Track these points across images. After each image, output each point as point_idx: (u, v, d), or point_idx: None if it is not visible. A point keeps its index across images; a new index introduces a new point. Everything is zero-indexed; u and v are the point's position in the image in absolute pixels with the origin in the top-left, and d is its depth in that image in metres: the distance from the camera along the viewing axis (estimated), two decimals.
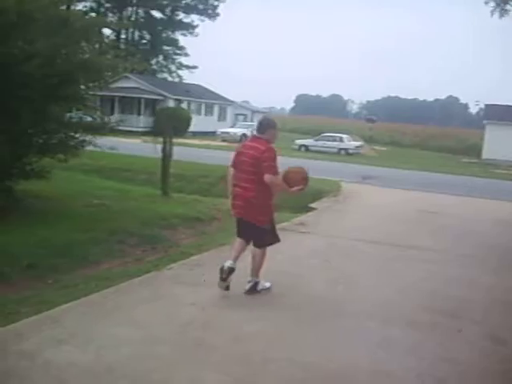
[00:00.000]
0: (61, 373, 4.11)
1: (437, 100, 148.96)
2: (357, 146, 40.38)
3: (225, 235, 9.62)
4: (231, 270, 5.97)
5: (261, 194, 6.06)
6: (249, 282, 6.29)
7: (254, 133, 6.42)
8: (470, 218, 13.63)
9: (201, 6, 69.45)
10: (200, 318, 5.44)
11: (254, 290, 6.28)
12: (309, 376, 4.39)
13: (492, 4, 10.05)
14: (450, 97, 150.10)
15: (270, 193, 6.14)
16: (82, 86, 10.89)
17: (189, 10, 69.28)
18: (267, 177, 5.89)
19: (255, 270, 6.31)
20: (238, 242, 6.35)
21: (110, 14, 66.19)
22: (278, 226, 10.34)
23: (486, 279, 7.84)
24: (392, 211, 13.57)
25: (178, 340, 4.91)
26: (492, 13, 10.04)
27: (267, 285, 6.45)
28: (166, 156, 13.08)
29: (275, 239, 6.56)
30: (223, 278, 5.97)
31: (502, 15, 10.20)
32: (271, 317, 5.60)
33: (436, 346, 5.20)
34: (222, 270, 5.97)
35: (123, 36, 67.59)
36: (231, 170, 6.38)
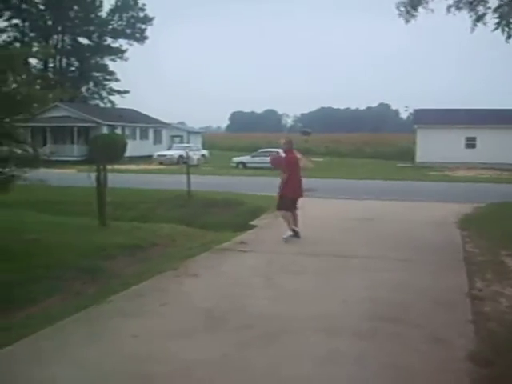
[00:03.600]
0: None
1: (369, 108, 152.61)
2: None
3: (166, 260, 9.52)
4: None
5: None
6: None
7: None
8: (407, 221, 13.94)
9: (128, 31, 69.25)
10: (143, 349, 5.31)
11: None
12: None
13: (401, 8, 10.34)
14: (382, 104, 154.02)
15: None
16: (7, 119, 10.57)
17: (116, 34, 68.91)
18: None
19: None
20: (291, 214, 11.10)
21: (36, 43, 64.99)
22: (218, 247, 10.40)
23: (426, 281, 8.00)
24: (331, 222, 13.72)
25: (121, 375, 4.78)
26: (399, 15, 10.35)
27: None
28: (101, 184, 12.83)
29: None
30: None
31: (407, 20, 10.52)
32: (215, 343, 5.52)
33: (381, 354, 5.25)
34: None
35: (51, 65, 66.52)
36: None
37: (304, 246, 10.46)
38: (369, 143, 61.21)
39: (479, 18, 9.85)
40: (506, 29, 9.59)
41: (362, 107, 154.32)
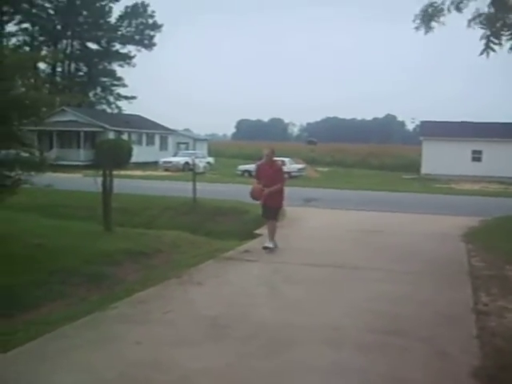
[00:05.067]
0: None
1: (375, 119, 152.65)
2: (299, 169, 40.79)
3: (170, 267, 9.53)
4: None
5: None
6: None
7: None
8: (411, 234, 13.88)
9: (137, 37, 69.56)
10: (146, 357, 5.31)
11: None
12: None
13: (417, 21, 10.29)
14: (388, 115, 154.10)
15: None
16: (16, 123, 10.62)
17: (125, 40, 69.23)
18: None
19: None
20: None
21: (45, 48, 65.38)
22: (223, 255, 10.40)
23: (430, 295, 7.98)
24: (335, 233, 13.70)
25: (124, 382, 4.78)
26: (417, 29, 10.30)
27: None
28: (107, 190, 12.86)
29: None
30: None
31: (426, 31, 10.49)
32: (219, 352, 5.51)
33: (385, 367, 5.23)
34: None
35: (59, 69, 66.87)
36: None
37: (308, 257, 10.44)
38: (374, 154, 61.16)
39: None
40: None
41: (369, 118, 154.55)
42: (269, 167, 11.29)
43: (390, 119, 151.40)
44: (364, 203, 20.72)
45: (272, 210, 11.27)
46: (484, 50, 9.37)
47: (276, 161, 12.14)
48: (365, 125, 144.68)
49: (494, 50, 9.40)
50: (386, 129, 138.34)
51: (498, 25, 9.34)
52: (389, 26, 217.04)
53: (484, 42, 9.37)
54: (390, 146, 75.56)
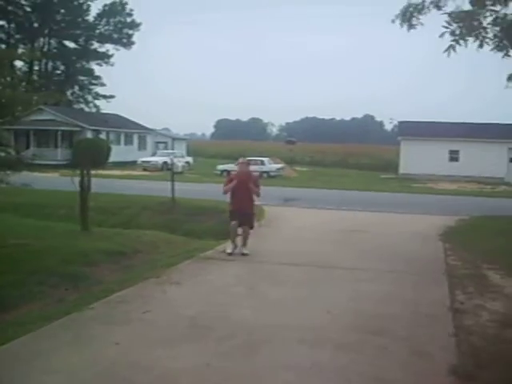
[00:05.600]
0: None
1: (354, 119, 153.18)
2: (278, 169, 40.82)
3: (149, 267, 9.46)
4: None
5: None
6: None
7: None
8: (390, 233, 13.98)
9: (115, 36, 68.98)
10: (125, 357, 5.27)
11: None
12: None
13: (450, 38, 9.71)
14: (367, 115, 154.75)
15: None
16: None
17: (103, 39, 68.63)
18: None
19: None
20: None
21: (22, 46, 64.60)
22: (202, 255, 10.37)
23: (408, 294, 8.04)
24: (315, 232, 13.74)
25: (103, 382, 4.74)
26: (450, 49, 9.77)
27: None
28: (84, 189, 12.74)
29: None
30: None
31: (409, 29, 10.45)
32: (198, 351, 5.49)
33: (364, 366, 5.26)
34: None
35: (36, 67, 66.04)
36: None
37: (287, 256, 10.45)
38: (353, 154, 61.46)
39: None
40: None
41: (347, 118, 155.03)
42: (244, 175, 11.08)
43: (369, 119, 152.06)
44: (343, 203, 20.80)
45: (247, 216, 10.90)
46: (448, 48, 9.40)
47: (252, 172, 11.94)
48: (343, 125, 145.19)
49: (455, 50, 9.43)
50: (365, 129, 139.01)
51: (470, 23, 9.38)
52: (370, 26, 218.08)
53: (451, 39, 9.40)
54: (369, 145, 76.00)
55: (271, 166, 40.42)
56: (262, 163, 39.70)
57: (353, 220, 16.22)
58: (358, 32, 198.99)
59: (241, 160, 11.56)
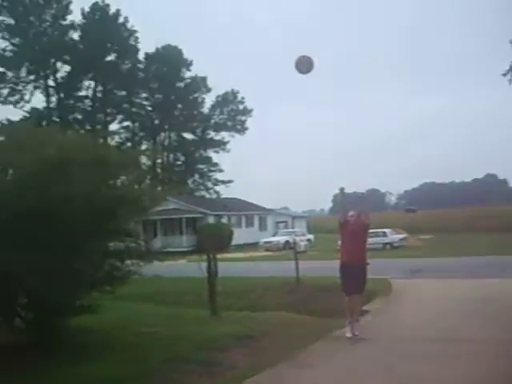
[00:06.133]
0: None
1: (475, 180, 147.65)
2: (401, 239, 39.89)
3: (279, 349, 9.39)
4: None
5: None
6: None
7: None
8: None
9: (229, 123, 72.24)
10: None
11: None
12: None
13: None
14: (488, 175, 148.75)
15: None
16: (122, 218, 11.06)
17: (218, 128, 72.17)
18: None
19: None
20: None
21: (145, 142, 69.30)
22: (332, 335, 10.17)
23: None
24: (448, 305, 13.09)
25: None
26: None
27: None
28: (211, 274, 13.07)
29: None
30: None
31: None
32: None
33: None
34: None
35: (159, 161, 70.14)
36: None
37: (425, 332, 9.99)
38: (478, 217, 58.84)
39: None
40: None
41: (468, 179, 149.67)
42: (354, 223, 10.51)
43: (491, 179, 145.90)
44: (475, 271, 19.70)
45: (360, 273, 10.22)
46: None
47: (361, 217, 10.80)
48: (464, 187, 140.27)
49: None
50: (488, 189, 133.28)
51: None
52: (471, 84, 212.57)
53: None
54: (494, 206, 72.48)
55: (394, 236, 39.57)
56: (385, 234, 38.97)
57: (488, 289, 15.25)
58: (460, 92, 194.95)
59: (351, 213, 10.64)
